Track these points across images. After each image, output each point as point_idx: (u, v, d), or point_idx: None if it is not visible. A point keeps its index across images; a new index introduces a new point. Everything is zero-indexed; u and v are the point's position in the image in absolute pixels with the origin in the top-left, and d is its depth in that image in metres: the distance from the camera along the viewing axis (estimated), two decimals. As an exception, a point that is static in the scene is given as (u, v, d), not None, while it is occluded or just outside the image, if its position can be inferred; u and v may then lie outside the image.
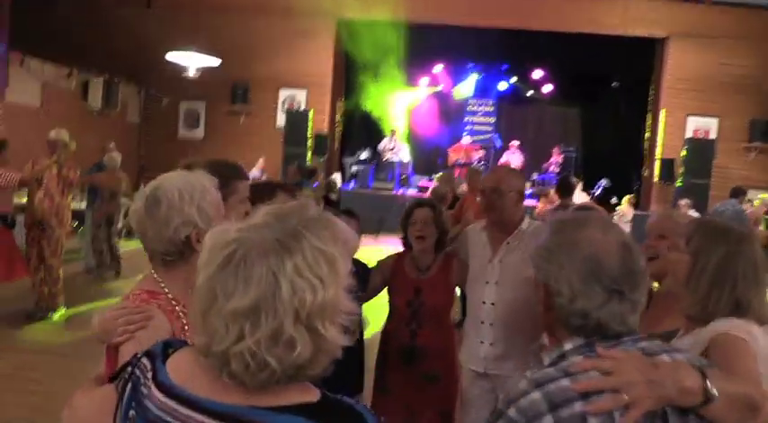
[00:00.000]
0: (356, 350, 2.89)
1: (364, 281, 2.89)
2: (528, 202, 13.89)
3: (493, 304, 2.62)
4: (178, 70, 13.49)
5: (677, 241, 1.98)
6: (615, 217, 11.90)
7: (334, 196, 9.41)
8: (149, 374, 1.04)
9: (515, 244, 2.63)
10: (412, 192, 14.34)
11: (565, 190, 6.62)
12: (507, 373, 2.60)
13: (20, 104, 11.24)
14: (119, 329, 1.44)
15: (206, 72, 13.73)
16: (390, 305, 2.89)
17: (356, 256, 2.82)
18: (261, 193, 2.55)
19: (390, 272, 2.91)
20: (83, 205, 9.18)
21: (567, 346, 1.20)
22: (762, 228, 8.30)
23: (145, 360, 1.08)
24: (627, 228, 11.83)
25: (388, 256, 2.99)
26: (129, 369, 1.09)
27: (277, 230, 0.98)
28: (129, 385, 1.06)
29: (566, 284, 1.19)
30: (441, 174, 9.95)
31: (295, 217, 1.01)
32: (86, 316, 6.19)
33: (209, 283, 0.96)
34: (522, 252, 2.58)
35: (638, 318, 1.22)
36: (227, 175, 2.04)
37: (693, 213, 9.39)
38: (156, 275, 1.61)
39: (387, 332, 2.90)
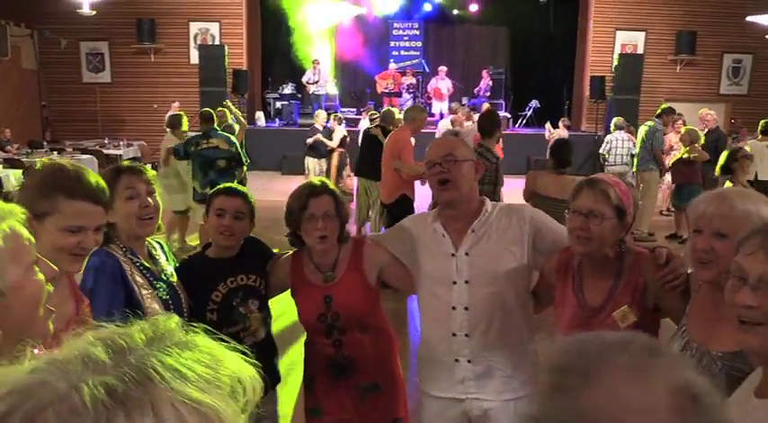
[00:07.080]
0: (267, 347, 2.36)
1: (266, 264, 2.37)
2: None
3: (466, 308, 2.10)
4: (72, 6, 12.17)
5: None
6: (551, 139, 11.75)
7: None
8: None
9: (482, 231, 2.14)
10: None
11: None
12: (490, 396, 2.13)
13: None
14: None
15: (105, 7, 12.48)
16: (300, 320, 2.33)
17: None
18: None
19: (288, 278, 2.33)
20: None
21: None
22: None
23: None
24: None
25: (282, 258, 2.37)
26: None
27: (104, 369, 0.53)
28: None
29: None
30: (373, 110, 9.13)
31: (139, 342, 0.56)
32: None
33: None
34: (492, 240, 2.14)
35: None
36: (45, 189, 1.52)
37: (563, 132, 9.32)
38: None
39: (306, 345, 2.37)
